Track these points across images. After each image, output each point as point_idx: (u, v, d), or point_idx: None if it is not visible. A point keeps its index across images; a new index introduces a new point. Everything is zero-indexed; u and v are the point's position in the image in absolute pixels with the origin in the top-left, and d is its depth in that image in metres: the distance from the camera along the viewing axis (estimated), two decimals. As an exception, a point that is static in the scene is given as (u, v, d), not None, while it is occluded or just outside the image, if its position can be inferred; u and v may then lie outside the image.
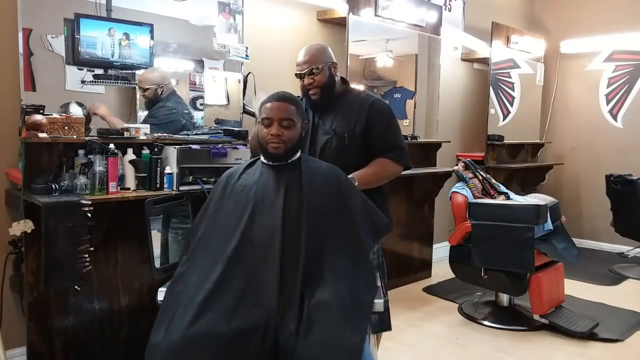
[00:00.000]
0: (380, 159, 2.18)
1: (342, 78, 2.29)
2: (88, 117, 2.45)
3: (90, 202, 2.07)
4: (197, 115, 2.98)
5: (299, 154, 1.84)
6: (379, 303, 1.61)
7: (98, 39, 2.52)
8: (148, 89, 2.73)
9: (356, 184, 1.98)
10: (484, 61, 4.93)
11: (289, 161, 1.80)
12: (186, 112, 2.90)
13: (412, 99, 4.40)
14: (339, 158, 1.96)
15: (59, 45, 2.45)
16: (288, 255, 1.61)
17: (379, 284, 1.74)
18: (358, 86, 3.99)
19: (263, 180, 1.78)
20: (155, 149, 2.42)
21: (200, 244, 1.74)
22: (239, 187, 1.79)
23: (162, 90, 2.77)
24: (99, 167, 2.22)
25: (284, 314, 1.51)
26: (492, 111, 4.88)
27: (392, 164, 2.20)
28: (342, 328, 1.46)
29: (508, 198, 3.43)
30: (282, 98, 1.80)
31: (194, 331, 1.44)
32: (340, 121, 2.17)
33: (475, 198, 3.37)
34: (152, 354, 1.47)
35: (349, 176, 1.99)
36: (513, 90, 5.20)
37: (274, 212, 1.68)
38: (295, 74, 2.19)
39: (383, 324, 2.09)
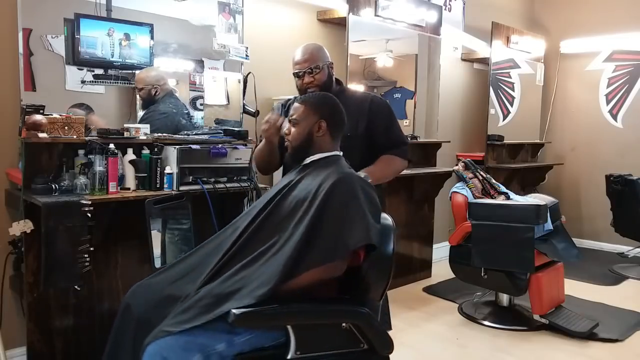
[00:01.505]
0: (386, 155, 2.19)
1: (335, 78, 2.30)
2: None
3: (90, 202, 2.08)
4: (197, 115, 2.97)
5: (320, 155, 1.80)
6: (231, 314, 1.38)
7: (98, 39, 2.52)
8: (142, 89, 2.72)
9: (370, 180, 1.93)
10: (484, 61, 4.93)
11: (306, 162, 1.81)
12: (186, 112, 2.89)
13: (412, 99, 4.40)
14: (345, 158, 1.92)
15: (59, 45, 2.44)
16: (231, 248, 1.65)
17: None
18: (358, 86, 4.00)
19: (284, 179, 1.87)
20: (155, 149, 2.42)
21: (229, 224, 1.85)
22: (276, 183, 1.93)
23: (157, 91, 2.74)
24: (99, 167, 2.22)
25: (192, 296, 1.55)
26: (492, 111, 4.87)
27: (398, 160, 2.22)
28: (172, 318, 1.47)
29: (508, 198, 3.43)
30: (300, 99, 1.89)
31: (147, 282, 1.73)
32: None
33: (475, 198, 3.37)
34: None
35: (362, 173, 1.97)
36: (513, 90, 5.20)
37: (258, 209, 1.74)
38: (294, 74, 2.18)
39: (383, 323, 2.09)
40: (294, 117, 1.82)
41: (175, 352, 1.40)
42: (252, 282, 1.49)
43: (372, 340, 1.54)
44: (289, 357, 1.46)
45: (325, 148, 1.81)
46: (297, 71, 2.17)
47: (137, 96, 2.75)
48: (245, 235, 1.66)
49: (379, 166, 2.16)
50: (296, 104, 1.85)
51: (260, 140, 2.24)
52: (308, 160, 1.81)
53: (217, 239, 1.77)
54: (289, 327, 1.47)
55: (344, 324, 1.51)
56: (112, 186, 2.27)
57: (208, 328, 1.43)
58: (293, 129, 1.82)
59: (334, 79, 2.25)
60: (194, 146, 2.49)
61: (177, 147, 2.42)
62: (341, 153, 1.85)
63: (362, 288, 1.62)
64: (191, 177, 2.45)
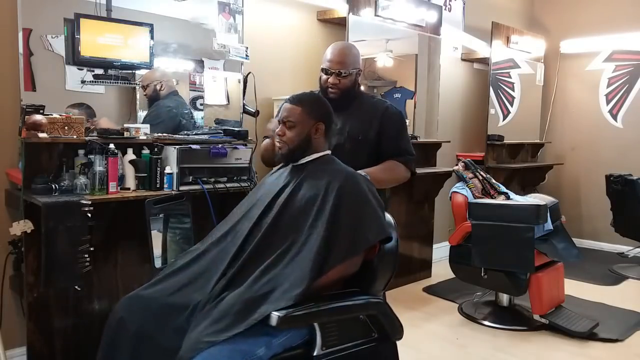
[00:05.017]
0: (391, 161, 2.18)
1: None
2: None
3: (90, 202, 2.08)
4: (197, 115, 2.97)
5: (315, 155, 1.80)
6: (274, 316, 1.41)
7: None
8: (148, 86, 2.74)
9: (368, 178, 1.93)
10: (484, 61, 4.93)
11: (302, 162, 1.80)
12: (186, 112, 2.90)
13: (412, 99, 4.40)
14: (352, 160, 1.91)
15: (59, 45, 2.44)
16: (240, 252, 1.64)
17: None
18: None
19: (276, 178, 1.85)
20: (155, 149, 2.43)
21: (213, 230, 1.83)
22: (262, 184, 1.91)
23: (161, 86, 2.77)
24: (99, 167, 2.22)
25: (206, 304, 1.54)
26: (492, 111, 4.88)
27: (402, 167, 2.21)
28: (207, 328, 1.44)
29: (508, 198, 3.43)
30: (291, 99, 1.85)
31: (139, 293, 1.64)
32: (353, 123, 2.17)
33: (475, 198, 3.37)
34: None
35: (362, 172, 1.94)
36: (513, 90, 5.20)
37: (259, 210, 1.73)
38: (322, 68, 2.17)
39: None
40: (290, 119, 1.79)
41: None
42: (282, 284, 1.49)
43: (386, 327, 1.66)
44: (315, 353, 1.49)
45: (319, 148, 1.83)
46: (326, 67, 2.16)
47: (138, 96, 2.76)
48: (257, 237, 1.64)
49: (380, 169, 2.14)
50: (289, 105, 1.81)
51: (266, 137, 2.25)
52: (303, 160, 1.80)
53: (216, 245, 1.72)
54: (315, 324, 1.50)
55: (361, 316, 1.61)
56: (112, 186, 2.27)
57: (247, 334, 1.43)
58: (288, 131, 1.79)
59: (357, 84, 2.25)
60: (194, 146, 2.50)
61: (177, 147, 2.42)
62: (330, 152, 1.87)
63: (369, 280, 1.73)
64: (191, 177, 2.45)
